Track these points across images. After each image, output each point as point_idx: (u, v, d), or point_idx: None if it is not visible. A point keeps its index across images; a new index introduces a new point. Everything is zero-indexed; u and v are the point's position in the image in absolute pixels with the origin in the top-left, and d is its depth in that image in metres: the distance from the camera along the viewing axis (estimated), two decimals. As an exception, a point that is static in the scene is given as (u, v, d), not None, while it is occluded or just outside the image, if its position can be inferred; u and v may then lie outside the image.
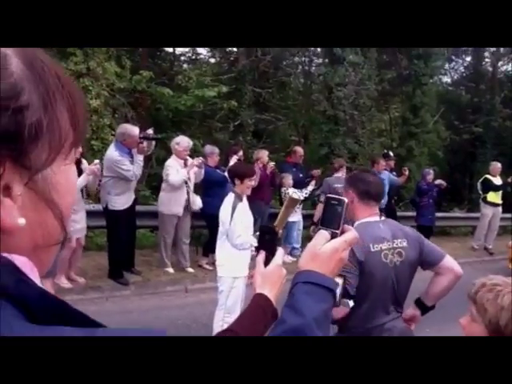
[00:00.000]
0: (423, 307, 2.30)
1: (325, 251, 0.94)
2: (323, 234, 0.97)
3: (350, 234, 0.97)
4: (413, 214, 9.24)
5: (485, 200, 9.00)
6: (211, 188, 5.89)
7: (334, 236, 0.97)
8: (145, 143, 5.14)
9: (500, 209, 9.07)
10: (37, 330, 0.42)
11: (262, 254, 1.33)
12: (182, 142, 5.71)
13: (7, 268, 0.45)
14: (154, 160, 8.56)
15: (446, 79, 15.88)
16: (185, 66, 11.53)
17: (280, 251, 1.35)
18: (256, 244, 1.42)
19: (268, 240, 1.35)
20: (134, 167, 5.02)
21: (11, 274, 0.44)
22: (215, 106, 9.06)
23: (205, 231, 6.66)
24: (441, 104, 13.18)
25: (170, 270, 5.83)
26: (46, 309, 0.45)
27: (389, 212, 8.42)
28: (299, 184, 7.03)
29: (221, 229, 3.82)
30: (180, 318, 4.56)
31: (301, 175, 7.37)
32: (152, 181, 9.22)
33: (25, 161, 0.45)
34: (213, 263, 6.22)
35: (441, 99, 13.51)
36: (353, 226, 2.02)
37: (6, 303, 0.43)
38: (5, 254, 0.46)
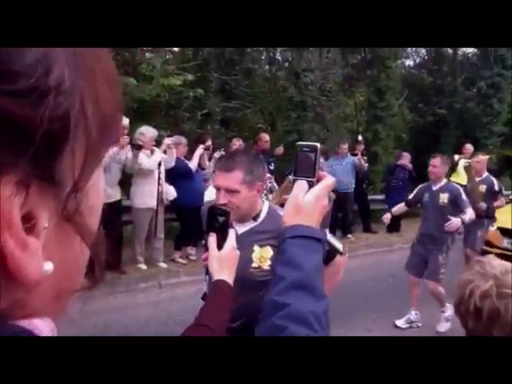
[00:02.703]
0: None
1: (308, 202, 0.90)
2: (301, 185, 0.92)
3: (328, 179, 0.94)
4: (382, 197, 9.36)
5: (449, 180, 9.17)
6: (178, 179, 5.76)
7: (310, 184, 0.92)
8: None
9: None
10: None
11: (214, 237, 1.29)
12: (147, 132, 5.55)
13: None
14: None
15: (409, 62, 16.08)
16: (147, 54, 11.21)
17: (232, 233, 1.32)
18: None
19: (221, 222, 1.30)
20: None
21: None
22: (181, 94, 8.85)
23: (176, 224, 6.54)
24: (405, 87, 13.34)
25: (143, 266, 5.68)
26: None
27: (360, 197, 8.51)
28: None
29: None
30: (155, 315, 4.45)
31: (270, 161, 7.33)
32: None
33: (56, 175, 0.30)
34: (186, 257, 6.14)
35: (404, 82, 13.68)
36: None
37: None
38: (25, 324, 0.31)
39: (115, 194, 5.25)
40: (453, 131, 13.54)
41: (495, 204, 5.98)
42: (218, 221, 1.30)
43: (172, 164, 5.71)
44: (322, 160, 7.12)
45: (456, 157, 9.03)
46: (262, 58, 12.45)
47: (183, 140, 6.14)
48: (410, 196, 5.00)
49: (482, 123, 12.66)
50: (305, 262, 0.83)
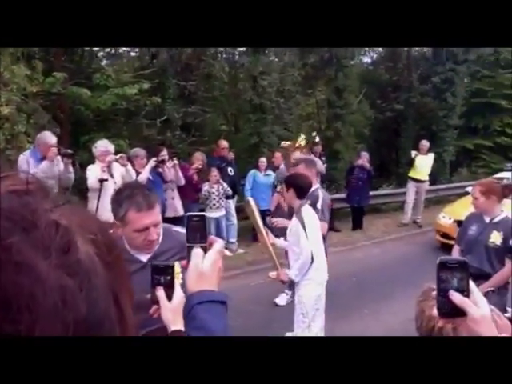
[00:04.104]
0: None
1: (207, 268, 1.01)
2: (198, 253, 1.04)
3: (219, 244, 1.07)
4: (345, 195, 9.50)
5: (408, 176, 9.40)
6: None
7: (204, 249, 1.04)
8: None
9: (423, 184, 9.40)
10: None
11: (162, 291, 1.35)
12: (99, 145, 5.44)
13: None
14: (78, 164, 8.16)
15: (366, 59, 16.37)
16: (104, 61, 11.01)
17: (177, 285, 1.40)
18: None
19: (169, 277, 1.37)
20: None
21: None
22: (138, 102, 8.75)
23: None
24: (363, 84, 13.58)
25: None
26: None
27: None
28: (227, 178, 6.94)
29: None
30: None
31: (230, 169, 7.28)
32: (79, 185, 8.77)
33: None
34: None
35: (363, 79, 13.92)
36: None
37: None
38: None
39: None
40: (412, 126, 13.88)
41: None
42: (166, 276, 1.36)
43: (133, 178, 5.62)
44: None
45: (413, 153, 9.26)
46: (222, 60, 12.43)
47: (141, 152, 6.01)
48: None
49: (438, 117, 13.02)
50: (215, 327, 0.95)
